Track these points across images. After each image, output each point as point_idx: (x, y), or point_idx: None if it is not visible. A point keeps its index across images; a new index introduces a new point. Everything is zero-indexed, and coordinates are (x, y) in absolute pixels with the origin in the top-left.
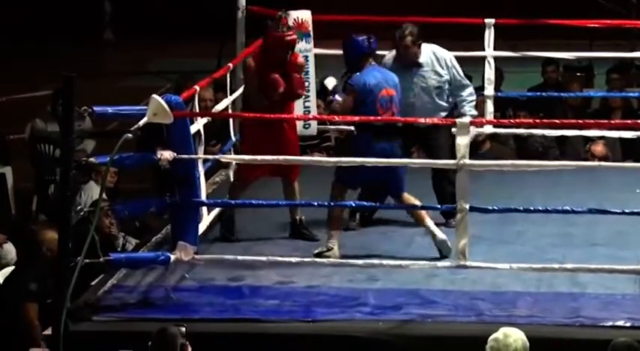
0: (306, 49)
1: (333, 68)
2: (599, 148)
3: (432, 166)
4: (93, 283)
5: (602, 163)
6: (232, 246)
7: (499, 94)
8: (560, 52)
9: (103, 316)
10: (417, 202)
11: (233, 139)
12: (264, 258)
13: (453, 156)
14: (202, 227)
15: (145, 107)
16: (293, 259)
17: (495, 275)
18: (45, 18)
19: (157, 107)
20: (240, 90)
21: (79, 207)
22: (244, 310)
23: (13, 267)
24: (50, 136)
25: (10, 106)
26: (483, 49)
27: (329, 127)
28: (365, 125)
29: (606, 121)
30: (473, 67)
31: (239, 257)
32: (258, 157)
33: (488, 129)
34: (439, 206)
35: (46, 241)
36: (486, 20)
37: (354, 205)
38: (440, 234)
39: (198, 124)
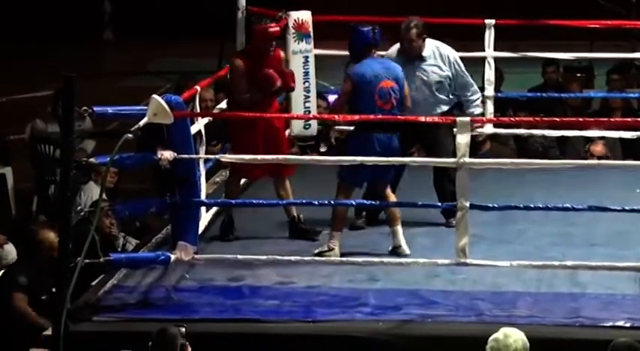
0: (306, 50)
1: (333, 68)
2: (598, 148)
3: (433, 165)
4: (93, 283)
5: (602, 162)
6: (232, 246)
7: (499, 94)
8: (560, 53)
9: (103, 316)
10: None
11: None
12: (264, 257)
13: (454, 153)
14: (201, 227)
15: (145, 107)
16: (293, 258)
17: (495, 275)
18: (45, 18)
19: (158, 107)
20: None
21: (79, 207)
22: (244, 311)
23: None
24: (50, 136)
25: (10, 106)
26: (483, 50)
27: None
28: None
29: (606, 119)
30: (473, 68)
31: (239, 256)
32: (259, 157)
33: (489, 129)
34: (439, 204)
35: (45, 241)
36: (486, 21)
37: (354, 204)
38: (403, 242)
39: (199, 125)
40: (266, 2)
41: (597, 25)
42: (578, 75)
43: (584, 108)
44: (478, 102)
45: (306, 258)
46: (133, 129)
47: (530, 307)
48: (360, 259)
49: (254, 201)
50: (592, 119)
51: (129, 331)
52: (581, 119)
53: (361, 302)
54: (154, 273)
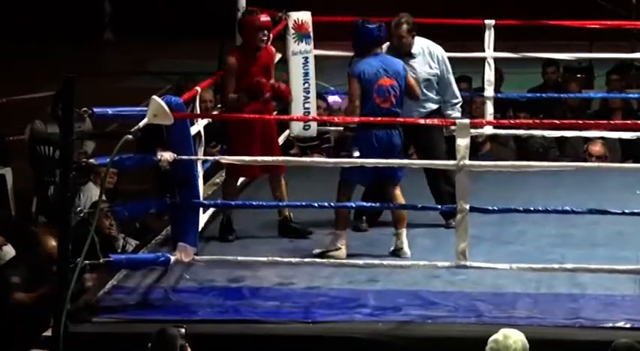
0: (306, 51)
1: (333, 69)
2: (596, 148)
3: (431, 167)
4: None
5: (602, 165)
6: (232, 246)
7: (499, 95)
8: (560, 53)
9: (102, 317)
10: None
11: None
12: (264, 258)
13: (448, 153)
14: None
15: (145, 108)
16: (293, 260)
17: (495, 276)
18: (45, 18)
19: (157, 108)
20: None
21: (78, 208)
22: (244, 312)
23: None
24: (49, 137)
25: (10, 107)
26: (483, 50)
27: (329, 128)
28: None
29: (606, 121)
30: (473, 68)
31: (239, 258)
32: (259, 158)
33: (489, 130)
34: (439, 207)
35: (45, 246)
36: (486, 21)
37: (354, 205)
38: (405, 245)
39: (199, 126)
40: (266, 2)
41: (597, 26)
42: (578, 75)
43: (584, 108)
44: (457, 107)
45: (306, 259)
46: (132, 130)
47: (529, 308)
48: (360, 261)
49: (253, 202)
50: (592, 121)
51: (128, 331)
52: (580, 122)
53: (361, 303)
54: (154, 274)
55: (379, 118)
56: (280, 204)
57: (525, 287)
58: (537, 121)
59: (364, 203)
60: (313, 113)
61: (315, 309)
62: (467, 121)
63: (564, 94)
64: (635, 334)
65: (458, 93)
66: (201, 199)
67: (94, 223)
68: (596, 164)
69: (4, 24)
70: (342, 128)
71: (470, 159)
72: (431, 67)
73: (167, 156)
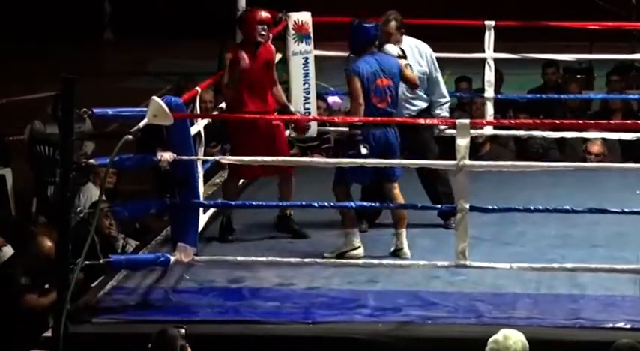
0: (306, 51)
1: (333, 69)
2: (595, 148)
3: (432, 167)
4: (93, 284)
5: (602, 165)
6: (232, 247)
7: (499, 95)
8: (560, 54)
9: (102, 317)
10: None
11: None
12: (264, 259)
13: (440, 153)
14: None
15: (145, 109)
16: (293, 260)
17: (495, 277)
18: (45, 18)
19: (157, 109)
20: None
21: (78, 209)
22: (244, 312)
23: None
24: (49, 138)
25: (10, 107)
26: (483, 51)
27: (329, 128)
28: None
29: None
30: (473, 69)
31: (239, 258)
32: (259, 158)
33: (489, 131)
34: (439, 206)
35: (42, 248)
36: (486, 22)
37: (354, 206)
38: (405, 245)
39: (199, 126)
40: (266, 3)
41: (597, 27)
42: (578, 76)
43: (583, 109)
44: (446, 106)
45: (306, 260)
46: (132, 130)
47: (529, 308)
48: (359, 261)
49: (253, 202)
50: (592, 122)
51: (129, 332)
52: (580, 122)
53: (361, 304)
54: (154, 274)
55: (379, 118)
56: (280, 204)
57: (525, 287)
58: (537, 121)
59: (365, 203)
60: (313, 113)
61: (315, 309)
62: (467, 121)
63: (564, 94)
64: (635, 334)
65: (446, 92)
66: (202, 199)
67: (94, 223)
68: (596, 165)
69: (4, 24)
70: (341, 129)
71: (470, 160)
72: (420, 65)
73: (167, 156)
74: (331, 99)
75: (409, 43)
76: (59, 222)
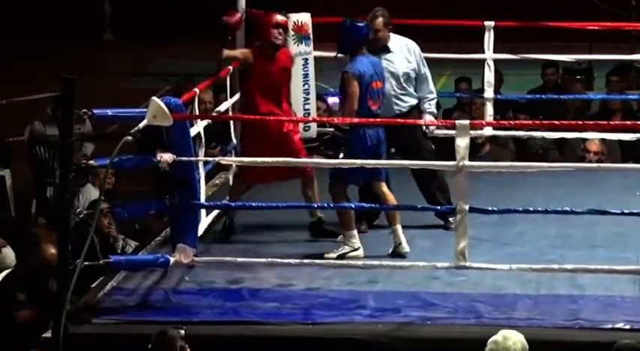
0: (305, 52)
1: (333, 70)
2: (594, 147)
3: (432, 168)
4: (92, 285)
5: (602, 165)
6: (232, 248)
7: (499, 96)
8: (559, 55)
9: (102, 318)
10: (394, 202)
11: (234, 141)
12: (263, 260)
13: (435, 152)
14: (201, 229)
15: (145, 110)
16: (292, 261)
17: (495, 277)
18: (45, 18)
19: (157, 110)
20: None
21: (77, 210)
22: (244, 313)
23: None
24: (49, 138)
25: (10, 107)
26: (483, 52)
27: (329, 129)
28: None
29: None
30: (472, 70)
31: (239, 259)
32: (258, 159)
33: (488, 131)
34: (439, 207)
35: (44, 254)
36: (486, 22)
37: (353, 206)
38: (403, 240)
39: (199, 127)
40: (266, 4)
41: (597, 27)
42: (578, 77)
43: (583, 110)
44: (433, 102)
45: (305, 260)
46: (132, 131)
47: (529, 309)
48: (359, 262)
49: (253, 204)
50: (591, 122)
51: (128, 333)
52: (580, 122)
53: (360, 304)
54: (154, 275)
55: (379, 119)
56: (280, 205)
57: (525, 288)
58: (537, 122)
59: (364, 204)
60: (313, 114)
61: (315, 310)
62: (466, 122)
63: (564, 95)
64: (635, 335)
65: (433, 88)
66: (203, 200)
67: (94, 223)
68: (596, 165)
69: (4, 24)
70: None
71: (469, 160)
72: (409, 61)
73: (167, 157)
74: (331, 100)
75: (398, 41)
76: (58, 223)
